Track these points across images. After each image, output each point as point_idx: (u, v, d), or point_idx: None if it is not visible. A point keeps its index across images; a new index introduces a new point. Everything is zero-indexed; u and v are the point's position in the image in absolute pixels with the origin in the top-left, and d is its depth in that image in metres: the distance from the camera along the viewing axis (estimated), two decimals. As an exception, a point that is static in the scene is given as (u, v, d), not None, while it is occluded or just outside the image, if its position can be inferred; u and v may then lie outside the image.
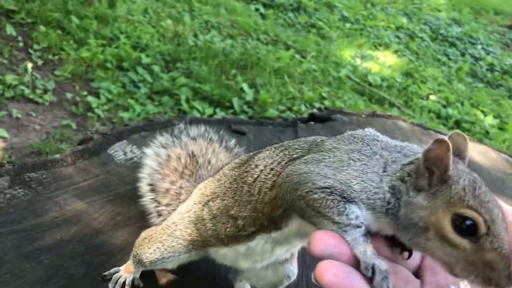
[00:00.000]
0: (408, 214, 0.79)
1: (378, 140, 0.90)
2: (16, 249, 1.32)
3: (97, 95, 3.84)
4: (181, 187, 1.43)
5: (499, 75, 6.75)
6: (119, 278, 1.32)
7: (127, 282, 1.32)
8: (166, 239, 1.20)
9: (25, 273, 1.27)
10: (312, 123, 2.41)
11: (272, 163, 1.01)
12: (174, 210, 1.37)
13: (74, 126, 3.51)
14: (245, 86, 4.45)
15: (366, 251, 0.77)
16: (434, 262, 0.81)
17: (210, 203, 1.15)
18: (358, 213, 0.81)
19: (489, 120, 5.36)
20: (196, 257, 1.25)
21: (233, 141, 1.63)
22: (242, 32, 5.61)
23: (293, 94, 4.58)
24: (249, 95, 4.38)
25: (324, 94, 4.77)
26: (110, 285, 1.30)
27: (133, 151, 1.80)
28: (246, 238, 1.07)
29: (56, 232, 1.41)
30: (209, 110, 4.09)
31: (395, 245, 0.86)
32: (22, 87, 3.62)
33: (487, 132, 5.15)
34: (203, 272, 1.42)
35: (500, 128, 5.38)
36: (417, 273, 0.87)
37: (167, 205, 1.41)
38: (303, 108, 4.45)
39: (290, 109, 4.39)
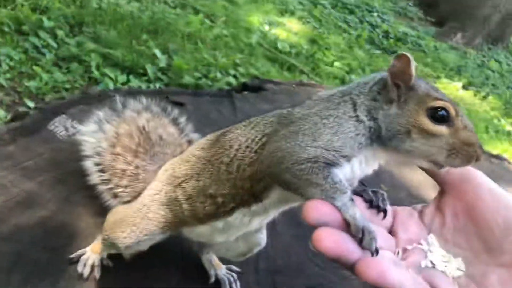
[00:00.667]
0: (389, 125, 0.91)
1: (333, 93, 1.00)
2: (-31, 238, 1.23)
3: (-4, 62, 3.52)
4: (137, 166, 1.40)
5: (393, 42, 7.25)
6: (87, 259, 1.29)
7: (96, 263, 1.29)
8: (139, 222, 1.20)
9: (-16, 263, 1.20)
10: (246, 92, 2.46)
11: (246, 141, 1.05)
12: (134, 191, 1.36)
13: (-26, 97, 3.20)
14: (157, 52, 4.33)
15: (356, 214, 0.85)
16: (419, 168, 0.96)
17: (184, 184, 1.16)
18: (341, 177, 0.89)
19: (387, 85, 5.78)
20: (169, 236, 1.26)
21: (176, 112, 1.61)
22: (148, -5, 5.41)
23: (207, 60, 4.56)
24: (162, 61, 4.28)
25: (237, 61, 4.80)
26: (79, 267, 1.28)
27: (74, 126, 1.72)
28: (225, 214, 1.10)
29: (10, 217, 1.33)
30: (122, 78, 3.93)
31: (372, 207, 0.96)
32: None
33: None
34: (169, 246, 1.43)
35: (397, 93, 5.83)
36: (390, 232, 0.98)
37: (126, 186, 1.38)
38: (218, 75, 4.45)
39: (206, 76, 4.37)
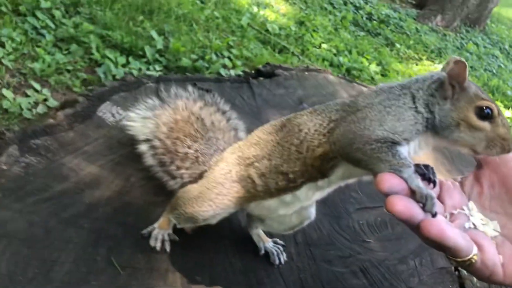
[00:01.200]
0: (442, 118, 1.12)
1: (393, 86, 1.20)
2: (54, 216, 1.40)
3: (-1, 43, 3.59)
4: (196, 150, 1.59)
5: (376, 24, 7.49)
6: (157, 234, 1.48)
7: (166, 238, 1.48)
8: (215, 197, 1.38)
9: (72, 238, 1.37)
10: (261, 79, 2.64)
11: (314, 125, 1.25)
12: (195, 172, 1.55)
13: (-19, 79, 3.27)
14: (154, 33, 4.44)
15: (419, 184, 1.06)
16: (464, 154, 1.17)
17: (256, 164, 1.35)
18: (405, 154, 1.11)
19: (373, 67, 6.02)
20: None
21: (222, 101, 1.80)
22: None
23: (203, 42, 4.69)
24: (159, 43, 4.39)
25: (231, 43, 4.94)
26: (152, 241, 1.46)
27: (119, 112, 1.87)
28: (294, 188, 1.30)
29: (83, 197, 1.50)
30: (121, 59, 4.03)
31: (424, 179, 1.15)
32: None
33: (372, 79, 5.81)
34: (220, 224, 1.63)
35: (383, 75, 6.09)
36: (438, 199, 1.20)
37: (187, 168, 1.56)
38: (214, 57, 4.59)
39: (202, 58, 4.51)
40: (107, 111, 1.85)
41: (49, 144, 1.59)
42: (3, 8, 3.87)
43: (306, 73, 2.87)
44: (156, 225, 1.50)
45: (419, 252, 2.00)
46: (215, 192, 1.39)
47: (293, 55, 5.37)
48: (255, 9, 6.01)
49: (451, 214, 1.16)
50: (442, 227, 0.99)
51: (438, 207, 1.11)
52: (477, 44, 8.94)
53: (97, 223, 1.44)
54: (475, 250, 1.04)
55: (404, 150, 1.12)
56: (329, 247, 1.79)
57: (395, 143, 1.09)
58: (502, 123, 1.12)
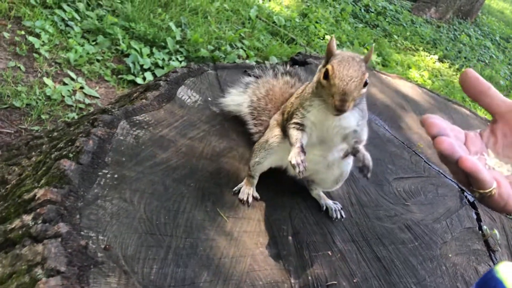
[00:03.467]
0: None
1: None
2: (167, 176, 1.75)
3: (32, 33, 3.88)
4: None
5: (374, 16, 7.91)
6: (244, 190, 1.85)
7: (252, 193, 1.85)
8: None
9: (185, 194, 1.72)
10: (296, 66, 3.01)
11: None
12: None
13: (22, 68, 3.57)
14: (172, 25, 4.77)
15: None
16: None
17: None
18: None
19: (374, 58, 6.44)
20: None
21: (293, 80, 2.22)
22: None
23: (217, 34, 5.03)
24: (178, 34, 4.73)
25: (242, 34, 5.30)
26: (241, 195, 1.83)
27: (194, 95, 2.23)
28: None
29: (184, 162, 1.85)
30: (146, 50, 4.37)
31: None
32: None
33: (374, 68, 6.21)
34: (290, 187, 2.01)
35: (383, 65, 6.51)
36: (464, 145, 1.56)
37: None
38: (228, 48, 4.94)
39: (218, 49, 4.86)
40: (184, 94, 2.20)
41: (148, 120, 1.94)
42: (32, 1, 4.16)
43: (335, 61, 3.25)
44: (242, 184, 1.87)
45: (448, 215, 2.40)
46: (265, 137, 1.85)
47: (300, 46, 5.74)
48: (261, 1, 6.37)
49: None
50: (475, 162, 1.37)
51: (464, 152, 1.49)
52: (469, 36, 9.44)
53: (200, 183, 1.79)
54: (494, 184, 1.40)
55: None
56: (378, 208, 2.18)
57: None
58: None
